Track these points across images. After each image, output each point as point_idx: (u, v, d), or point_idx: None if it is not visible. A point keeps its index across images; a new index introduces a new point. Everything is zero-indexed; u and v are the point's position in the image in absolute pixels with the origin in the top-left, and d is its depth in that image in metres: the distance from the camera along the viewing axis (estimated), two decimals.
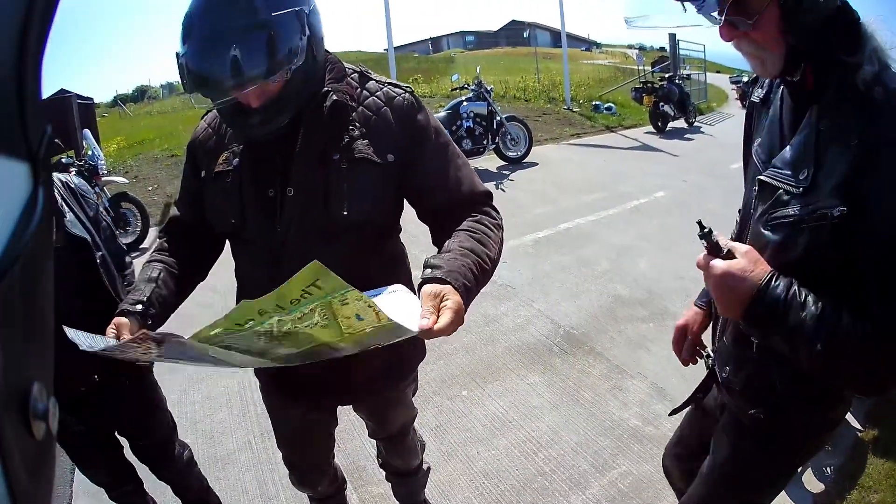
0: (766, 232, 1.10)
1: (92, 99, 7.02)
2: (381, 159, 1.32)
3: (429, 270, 1.13)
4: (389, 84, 1.40)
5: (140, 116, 20.42)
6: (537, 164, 8.13)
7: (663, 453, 1.78)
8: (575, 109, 11.14)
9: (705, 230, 1.07)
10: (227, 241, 1.49)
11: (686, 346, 1.56)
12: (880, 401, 2.81)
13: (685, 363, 1.59)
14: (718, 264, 1.06)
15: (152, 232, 6.23)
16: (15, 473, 0.32)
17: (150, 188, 8.18)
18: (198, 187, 1.45)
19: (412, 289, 1.50)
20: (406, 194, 1.41)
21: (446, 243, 1.25)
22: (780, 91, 1.16)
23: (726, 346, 1.29)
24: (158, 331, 1.24)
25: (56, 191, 1.72)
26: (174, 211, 1.58)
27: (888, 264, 0.97)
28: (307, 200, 1.32)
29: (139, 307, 1.33)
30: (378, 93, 1.37)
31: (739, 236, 1.25)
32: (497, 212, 1.39)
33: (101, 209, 1.86)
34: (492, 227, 1.31)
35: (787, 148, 1.09)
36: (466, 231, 1.27)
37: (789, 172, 1.07)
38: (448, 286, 1.08)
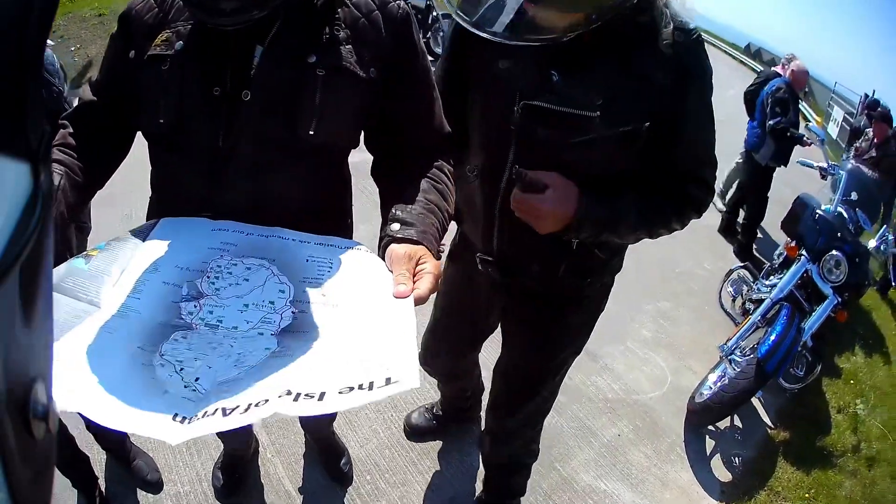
0: (566, 153, 1.26)
1: None
2: (365, 73, 1.11)
3: (397, 226, 1.00)
4: None
5: None
6: None
7: (422, 355, 2.00)
8: None
9: (522, 174, 1.21)
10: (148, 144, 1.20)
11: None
12: (791, 400, 2.98)
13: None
14: (539, 201, 1.22)
15: (68, 93, 5.70)
16: (15, 473, 0.33)
17: (72, 48, 7.36)
18: (123, 70, 1.15)
19: (349, 225, 1.37)
20: (378, 116, 1.20)
21: (405, 189, 1.10)
22: None
23: (529, 248, 1.42)
24: None
25: None
26: (86, 94, 1.24)
27: (694, 158, 1.30)
28: (267, 110, 1.08)
29: None
30: None
31: (498, 145, 1.36)
32: (451, 151, 1.27)
33: (65, 95, 1.54)
34: (450, 178, 1.19)
35: (561, 80, 1.24)
36: (430, 180, 1.13)
37: (576, 100, 1.23)
38: (423, 248, 0.96)
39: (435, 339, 1.97)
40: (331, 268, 0.96)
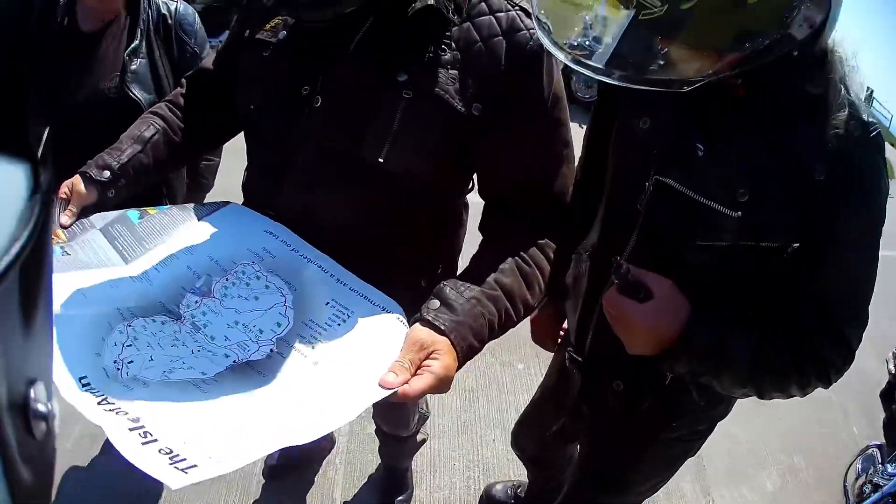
0: (690, 255, 0.99)
1: None
2: (465, 107, 0.93)
3: (436, 304, 0.87)
4: (521, 10, 0.95)
5: None
6: None
7: (514, 434, 1.81)
8: None
9: (622, 268, 0.93)
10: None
11: (552, 339, 1.55)
12: None
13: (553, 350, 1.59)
14: (634, 313, 0.93)
15: None
16: (15, 473, 0.33)
17: None
18: (237, 47, 1.12)
19: (452, 269, 1.22)
20: (476, 161, 1.03)
21: (485, 259, 0.97)
22: None
23: (619, 358, 1.06)
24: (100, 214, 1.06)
25: (142, 25, 1.52)
26: (208, 61, 1.26)
27: (837, 304, 0.95)
28: (336, 122, 0.97)
29: (106, 175, 1.07)
30: (500, 14, 0.94)
31: (620, 227, 1.09)
32: (567, 225, 1.10)
33: (203, 55, 1.62)
34: (551, 255, 1.02)
35: (707, 155, 0.95)
36: (519, 260, 0.96)
37: (718, 188, 0.94)
38: (445, 341, 0.82)
39: (526, 420, 1.78)
40: (343, 322, 0.88)
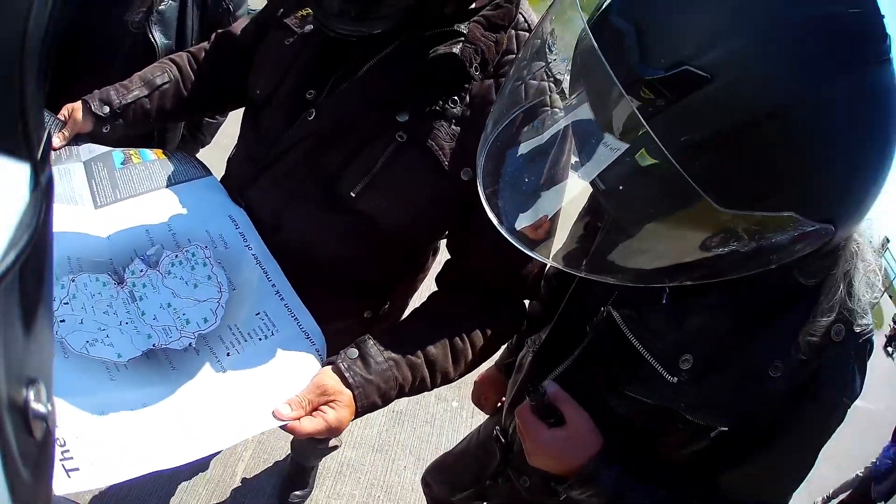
0: (616, 400, 0.88)
1: None
2: (451, 170, 0.88)
3: (354, 353, 0.84)
4: (555, 81, 0.83)
5: None
6: None
7: (427, 472, 1.67)
8: None
9: (539, 391, 0.86)
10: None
11: (490, 406, 1.44)
12: None
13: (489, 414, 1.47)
14: (539, 437, 0.86)
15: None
16: (15, 473, 0.33)
17: None
18: (267, 24, 1.08)
19: (400, 310, 1.20)
20: (452, 224, 1.00)
21: (424, 320, 0.96)
22: None
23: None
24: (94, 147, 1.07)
25: None
26: (238, 27, 1.22)
27: (763, 489, 0.84)
28: (322, 141, 0.92)
29: (105, 110, 1.07)
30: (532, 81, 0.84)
31: (568, 338, 0.99)
32: (522, 314, 1.05)
33: (238, 11, 1.58)
34: (492, 338, 0.98)
35: (669, 304, 0.84)
36: (457, 334, 0.93)
37: (662, 344, 0.83)
38: (348, 395, 0.81)
39: (443, 467, 1.63)
40: (265, 338, 0.87)
